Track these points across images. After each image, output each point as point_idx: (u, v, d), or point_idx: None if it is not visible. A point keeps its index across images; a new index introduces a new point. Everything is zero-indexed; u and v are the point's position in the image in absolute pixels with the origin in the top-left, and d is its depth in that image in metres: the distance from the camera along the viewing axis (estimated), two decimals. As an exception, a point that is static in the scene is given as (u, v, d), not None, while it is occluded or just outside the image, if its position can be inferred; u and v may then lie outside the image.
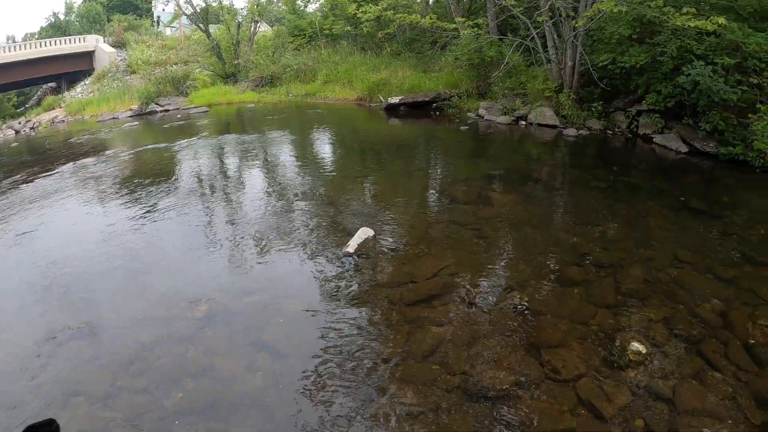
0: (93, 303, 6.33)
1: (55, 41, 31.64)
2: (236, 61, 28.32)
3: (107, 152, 14.60)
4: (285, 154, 13.76)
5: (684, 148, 10.86)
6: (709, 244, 6.96)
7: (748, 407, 4.21)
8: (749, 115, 9.76)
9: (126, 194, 10.35)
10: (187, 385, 4.79)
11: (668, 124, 11.64)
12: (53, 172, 12.36)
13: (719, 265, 6.30)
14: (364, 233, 7.31)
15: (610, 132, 12.74)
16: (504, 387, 4.47)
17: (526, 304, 5.66)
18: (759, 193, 8.92)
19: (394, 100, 18.17)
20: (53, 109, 28.26)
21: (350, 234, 7.38)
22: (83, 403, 4.60)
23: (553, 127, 13.56)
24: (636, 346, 4.85)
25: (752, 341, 4.95)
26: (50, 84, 35.97)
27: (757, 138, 9.41)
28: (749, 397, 4.31)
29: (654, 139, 11.57)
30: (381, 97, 19.27)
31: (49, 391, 4.79)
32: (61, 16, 48.02)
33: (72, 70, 32.18)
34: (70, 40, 32.34)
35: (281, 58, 26.66)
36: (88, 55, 32.96)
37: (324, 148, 14.82)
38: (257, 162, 13.00)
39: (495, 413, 4.23)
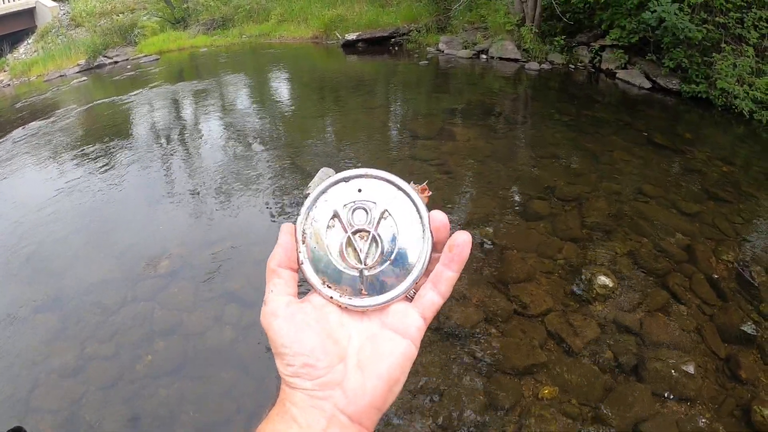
0: (53, 272, 5.92)
1: (-9, 2, 29.12)
2: (185, 5, 26.77)
3: (57, 112, 13.67)
4: (241, 98, 13.12)
5: (647, 84, 10.76)
6: (672, 179, 6.94)
7: (713, 340, 4.23)
8: (713, 54, 9.68)
9: (80, 154, 9.60)
10: (156, 345, 4.62)
11: (631, 59, 11.47)
12: (1, 140, 11.53)
13: (683, 199, 6.28)
14: (325, 173, 7.00)
15: (573, 66, 12.52)
16: (474, 324, 4.37)
17: (492, 239, 5.54)
18: (721, 131, 8.96)
19: (352, 36, 17.52)
20: (-4, 74, 26.33)
21: (311, 175, 7.07)
22: (55, 379, 4.37)
23: (515, 61, 13.26)
24: (603, 279, 4.79)
25: (716, 275, 4.95)
26: (-9, 49, 33.37)
27: (721, 77, 9.35)
28: (713, 331, 4.33)
29: (617, 75, 11.42)
30: (338, 34, 18.52)
31: (19, 371, 4.52)
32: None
33: (13, 31, 29.86)
34: (7, -1, 29.90)
35: (232, -1, 25.35)
36: (29, 13, 30.40)
37: (281, 89, 14.22)
38: (213, 108, 12.34)
39: (466, 351, 4.13)
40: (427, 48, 15.68)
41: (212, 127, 10.69)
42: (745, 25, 9.61)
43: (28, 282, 5.79)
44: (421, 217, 0.62)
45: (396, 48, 16.64)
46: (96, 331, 4.85)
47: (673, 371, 3.90)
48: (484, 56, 14.10)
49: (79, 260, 6.11)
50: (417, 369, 3.99)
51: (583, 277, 4.89)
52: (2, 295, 5.64)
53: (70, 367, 4.47)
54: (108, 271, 5.73)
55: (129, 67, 20.06)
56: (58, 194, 7.81)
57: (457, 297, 4.67)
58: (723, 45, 9.66)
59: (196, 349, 4.55)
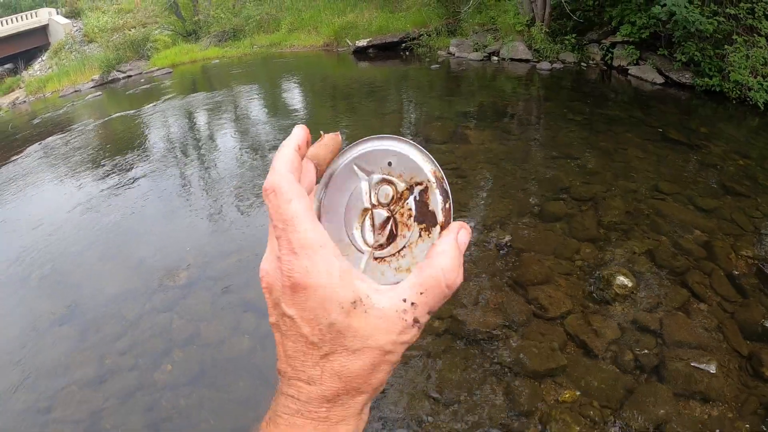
0: (72, 285, 6.04)
1: (6, 21, 29.64)
2: (196, 18, 27.03)
3: (73, 127, 13.96)
4: (254, 107, 13.28)
5: (660, 80, 10.70)
6: (688, 174, 6.88)
7: (735, 338, 4.17)
8: (726, 47, 9.60)
9: (96, 167, 9.75)
10: (175, 355, 4.67)
11: (643, 55, 11.42)
12: (20, 155, 11.71)
13: (700, 195, 6.22)
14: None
15: (585, 65, 12.49)
16: (493, 328, 4.36)
17: (508, 241, 5.52)
18: (736, 124, 8.87)
19: (362, 42, 17.64)
20: (13, 91, 26.60)
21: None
22: (75, 391, 4.43)
23: (526, 61, 13.25)
24: (621, 279, 4.76)
25: (736, 272, 4.90)
26: (6, 66, 33.80)
27: (734, 69, 9.28)
28: (735, 328, 4.28)
29: (629, 71, 11.38)
30: (348, 41, 18.63)
31: (40, 382, 4.59)
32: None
33: (27, 48, 30.35)
34: (21, 17, 30.38)
35: (243, 10, 25.48)
36: (42, 30, 30.91)
37: (294, 97, 14.34)
38: (227, 118, 12.49)
39: (486, 355, 4.13)
40: (438, 51, 15.71)
41: (227, 138, 10.78)
42: (756, 15, 9.53)
43: (48, 295, 5.89)
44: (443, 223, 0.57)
45: (407, 53, 16.69)
46: (115, 342, 4.92)
47: (694, 371, 3.86)
48: (495, 58, 14.10)
49: (98, 273, 6.21)
50: (436, 374, 3.99)
51: (601, 277, 4.86)
52: (22, 309, 5.74)
53: (90, 378, 4.53)
54: (126, 283, 5.80)
55: (143, 80, 20.27)
56: (75, 208, 7.94)
57: (475, 301, 4.67)
58: (735, 36, 9.58)
59: (214, 359, 4.60)
